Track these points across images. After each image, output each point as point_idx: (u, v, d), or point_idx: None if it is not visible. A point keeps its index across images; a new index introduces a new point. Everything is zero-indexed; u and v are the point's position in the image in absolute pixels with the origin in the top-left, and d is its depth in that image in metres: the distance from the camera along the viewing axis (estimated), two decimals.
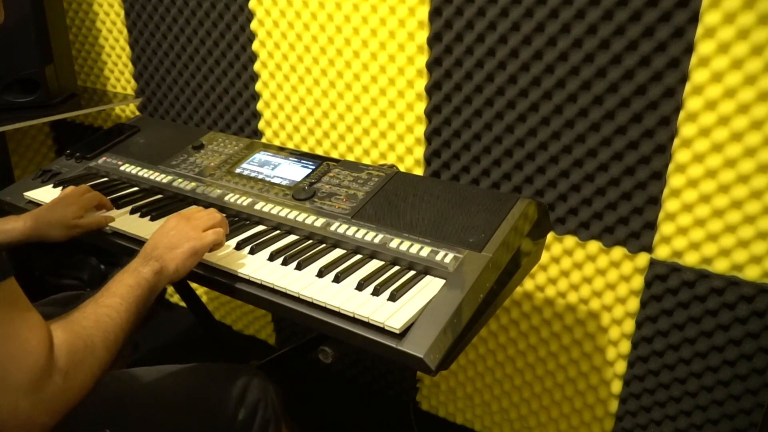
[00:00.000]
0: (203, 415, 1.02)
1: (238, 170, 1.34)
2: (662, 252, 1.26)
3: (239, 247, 1.09)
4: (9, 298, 0.68)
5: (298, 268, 1.02)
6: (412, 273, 1.01)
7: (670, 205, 1.22)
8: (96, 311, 0.80)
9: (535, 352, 1.52)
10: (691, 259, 1.23)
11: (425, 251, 1.03)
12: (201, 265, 1.06)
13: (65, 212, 1.15)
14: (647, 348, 1.34)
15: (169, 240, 0.96)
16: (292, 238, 1.14)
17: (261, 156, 1.37)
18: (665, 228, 1.24)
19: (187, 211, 1.05)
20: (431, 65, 1.40)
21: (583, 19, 1.20)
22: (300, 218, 1.16)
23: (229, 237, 1.12)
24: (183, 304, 2.12)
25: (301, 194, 1.22)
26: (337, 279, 0.98)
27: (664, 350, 1.32)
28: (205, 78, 1.82)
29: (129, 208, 1.24)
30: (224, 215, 1.08)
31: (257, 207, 1.21)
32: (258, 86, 1.72)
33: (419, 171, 1.52)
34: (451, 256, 1.01)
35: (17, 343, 0.66)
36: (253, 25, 1.66)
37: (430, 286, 0.96)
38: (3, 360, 0.65)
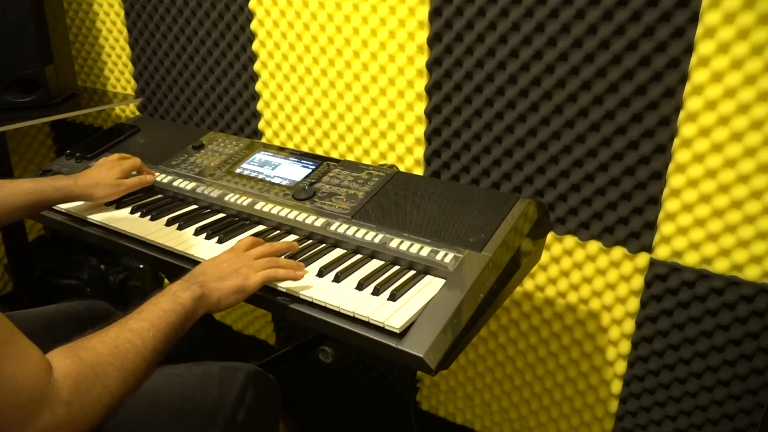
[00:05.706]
0: (201, 416, 1.01)
1: (238, 170, 1.34)
2: (662, 252, 1.26)
3: None
4: None
5: None
6: (412, 273, 1.01)
7: (670, 205, 1.22)
8: (118, 336, 0.73)
9: (535, 352, 1.52)
10: (691, 259, 1.23)
11: (425, 251, 1.03)
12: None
13: (109, 173, 1.24)
14: (647, 348, 1.34)
15: (220, 270, 0.93)
16: (292, 237, 1.14)
17: (261, 156, 1.37)
18: (665, 228, 1.24)
19: (242, 244, 1.01)
20: (431, 65, 1.40)
21: (583, 19, 1.20)
22: (300, 218, 1.16)
23: (228, 238, 1.12)
24: None
25: (301, 194, 1.22)
26: (337, 279, 0.98)
27: (664, 350, 1.32)
28: (205, 78, 1.82)
29: (129, 207, 1.24)
30: (294, 243, 1.04)
31: (257, 207, 1.22)
32: (258, 86, 1.72)
33: (419, 171, 1.52)
34: (451, 255, 1.01)
35: (1, 382, 0.59)
36: (253, 25, 1.66)
37: (430, 286, 0.96)
38: None
